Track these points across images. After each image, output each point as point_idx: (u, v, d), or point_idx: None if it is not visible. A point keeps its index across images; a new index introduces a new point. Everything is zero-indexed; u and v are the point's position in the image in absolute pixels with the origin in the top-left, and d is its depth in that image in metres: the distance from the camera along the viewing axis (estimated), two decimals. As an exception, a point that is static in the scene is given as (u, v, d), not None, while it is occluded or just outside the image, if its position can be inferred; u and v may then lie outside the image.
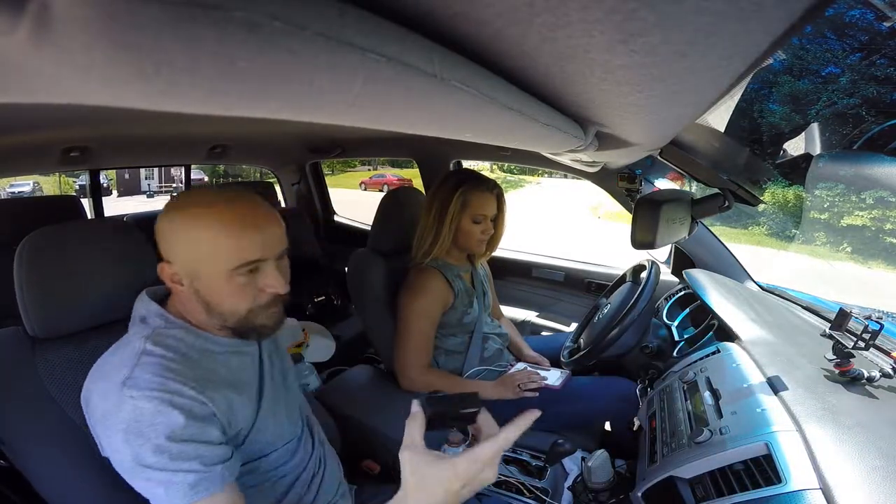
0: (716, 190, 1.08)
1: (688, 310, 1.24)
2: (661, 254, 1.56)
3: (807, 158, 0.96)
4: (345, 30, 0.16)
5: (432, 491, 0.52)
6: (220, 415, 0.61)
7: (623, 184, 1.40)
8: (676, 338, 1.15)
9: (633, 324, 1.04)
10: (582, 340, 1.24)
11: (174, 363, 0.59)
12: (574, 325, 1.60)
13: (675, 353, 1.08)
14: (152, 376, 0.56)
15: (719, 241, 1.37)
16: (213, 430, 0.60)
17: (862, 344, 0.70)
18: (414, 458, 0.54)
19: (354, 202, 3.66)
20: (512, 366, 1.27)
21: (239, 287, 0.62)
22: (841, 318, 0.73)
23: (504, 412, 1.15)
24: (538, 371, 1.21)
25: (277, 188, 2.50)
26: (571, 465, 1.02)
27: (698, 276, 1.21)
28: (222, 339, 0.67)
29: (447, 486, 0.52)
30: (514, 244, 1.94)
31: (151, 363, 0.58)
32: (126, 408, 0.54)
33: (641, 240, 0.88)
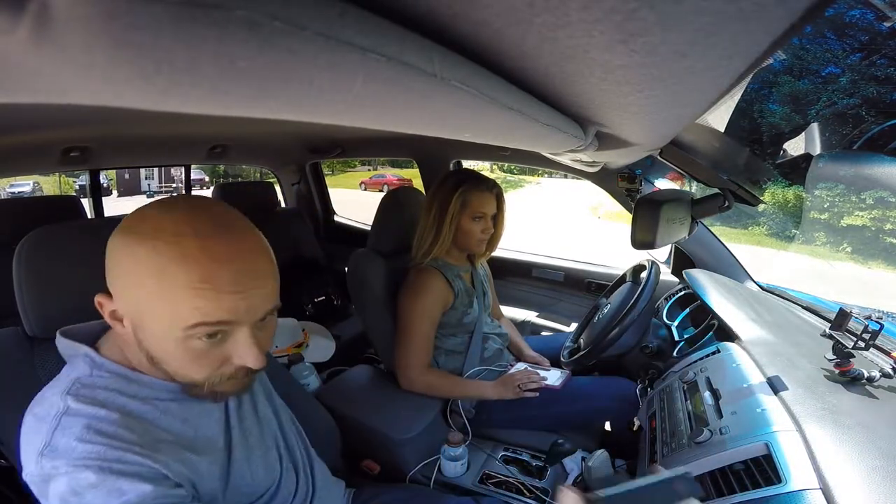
0: (716, 190, 1.08)
1: (688, 310, 1.24)
2: (661, 254, 1.56)
3: (807, 158, 0.96)
4: (345, 30, 0.16)
5: None
6: (181, 480, 0.50)
7: (623, 184, 1.40)
8: (676, 338, 1.15)
9: (633, 324, 1.04)
10: (582, 340, 1.24)
11: (109, 424, 0.46)
12: (574, 325, 1.60)
13: (675, 353, 1.08)
14: (78, 443, 0.44)
15: (719, 241, 1.37)
16: (178, 489, 0.49)
17: (862, 344, 0.70)
18: None
19: (354, 202, 3.67)
20: (512, 366, 1.27)
21: (194, 353, 0.47)
22: (841, 318, 0.73)
23: (504, 412, 1.15)
24: (538, 371, 1.21)
25: (277, 188, 2.50)
26: (571, 465, 1.02)
27: (698, 276, 1.21)
28: (172, 385, 0.53)
29: None
30: (514, 244, 1.94)
31: (76, 426, 0.45)
32: (57, 482, 0.43)
33: (641, 240, 0.88)
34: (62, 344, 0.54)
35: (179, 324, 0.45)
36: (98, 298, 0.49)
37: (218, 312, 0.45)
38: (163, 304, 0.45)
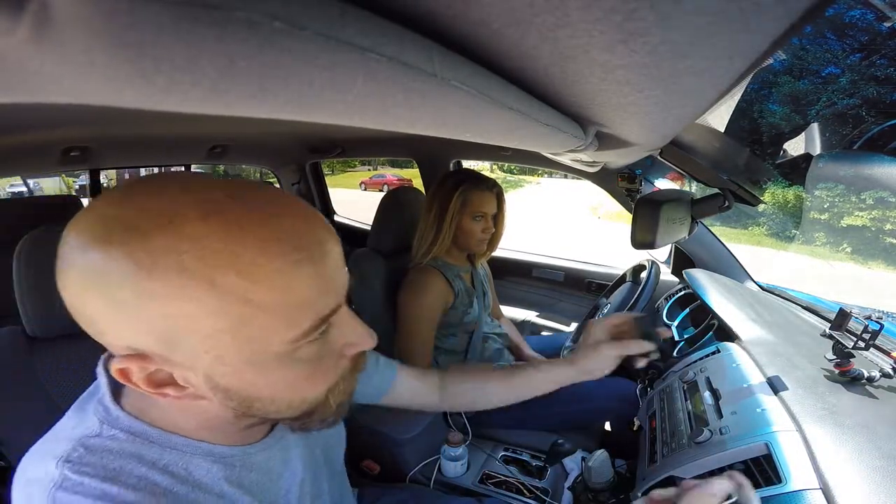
0: (716, 190, 1.08)
1: (688, 310, 1.24)
2: (661, 254, 1.56)
3: (807, 159, 0.96)
4: (345, 29, 0.16)
5: None
6: None
7: (623, 184, 1.40)
8: (676, 338, 1.15)
9: (633, 324, 1.04)
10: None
11: None
12: (574, 325, 1.60)
13: (675, 353, 1.08)
14: None
15: (719, 241, 1.37)
16: None
17: (862, 344, 0.70)
18: None
19: (354, 202, 3.67)
20: (512, 366, 1.27)
21: (308, 366, 0.35)
22: (841, 318, 0.73)
23: (504, 412, 1.15)
24: (538, 371, 1.21)
25: (277, 188, 2.50)
26: (571, 465, 1.02)
27: (698, 276, 1.21)
28: (234, 450, 0.40)
29: None
30: (514, 244, 1.94)
31: None
32: None
33: (641, 240, 0.88)
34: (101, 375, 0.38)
35: (283, 336, 0.32)
36: (118, 365, 0.31)
37: (325, 297, 0.33)
38: (255, 322, 0.31)
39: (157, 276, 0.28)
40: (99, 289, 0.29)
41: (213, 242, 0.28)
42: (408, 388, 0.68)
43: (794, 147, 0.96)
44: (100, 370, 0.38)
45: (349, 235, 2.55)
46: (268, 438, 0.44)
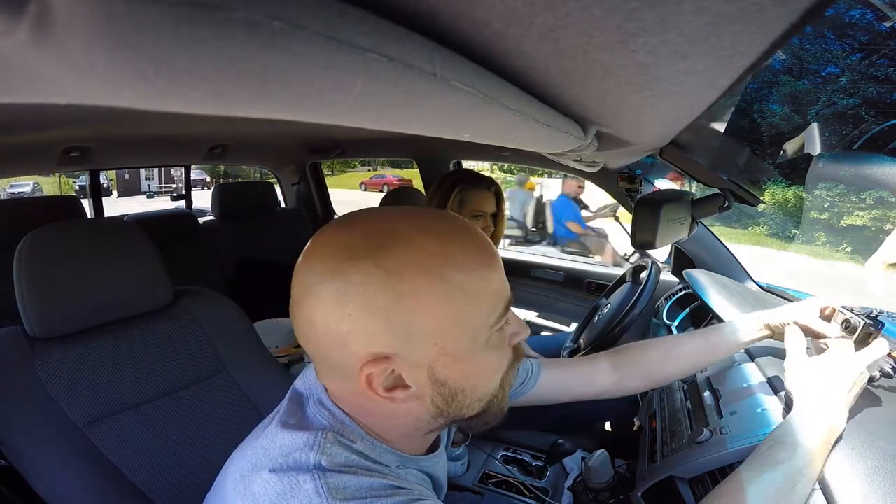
0: (716, 190, 1.08)
1: (688, 310, 1.24)
2: (661, 254, 1.56)
3: (807, 158, 0.96)
4: (345, 30, 0.16)
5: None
6: None
7: (623, 184, 1.40)
8: (676, 338, 1.15)
9: (633, 324, 1.04)
10: (582, 340, 1.23)
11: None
12: (574, 325, 1.60)
13: (675, 353, 1.08)
14: None
15: (719, 241, 1.37)
16: None
17: (861, 343, 0.70)
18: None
19: (354, 203, 3.67)
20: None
21: (498, 353, 0.41)
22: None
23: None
24: (538, 371, 1.21)
25: (277, 188, 2.50)
26: (571, 465, 1.02)
27: (698, 276, 1.21)
28: (417, 459, 0.45)
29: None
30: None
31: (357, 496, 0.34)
32: None
33: (641, 240, 0.88)
34: (309, 376, 0.43)
35: (486, 321, 0.38)
36: (367, 371, 0.35)
37: (506, 286, 0.40)
38: (471, 310, 0.37)
39: (406, 278, 0.34)
40: (358, 298, 0.34)
41: (435, 247, 0.36)
42: (562, 383, 0.72)
43: (795, 147, 0.96)
44: (313, 385, 0.42)
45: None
46: (439, 450, 0.50)
